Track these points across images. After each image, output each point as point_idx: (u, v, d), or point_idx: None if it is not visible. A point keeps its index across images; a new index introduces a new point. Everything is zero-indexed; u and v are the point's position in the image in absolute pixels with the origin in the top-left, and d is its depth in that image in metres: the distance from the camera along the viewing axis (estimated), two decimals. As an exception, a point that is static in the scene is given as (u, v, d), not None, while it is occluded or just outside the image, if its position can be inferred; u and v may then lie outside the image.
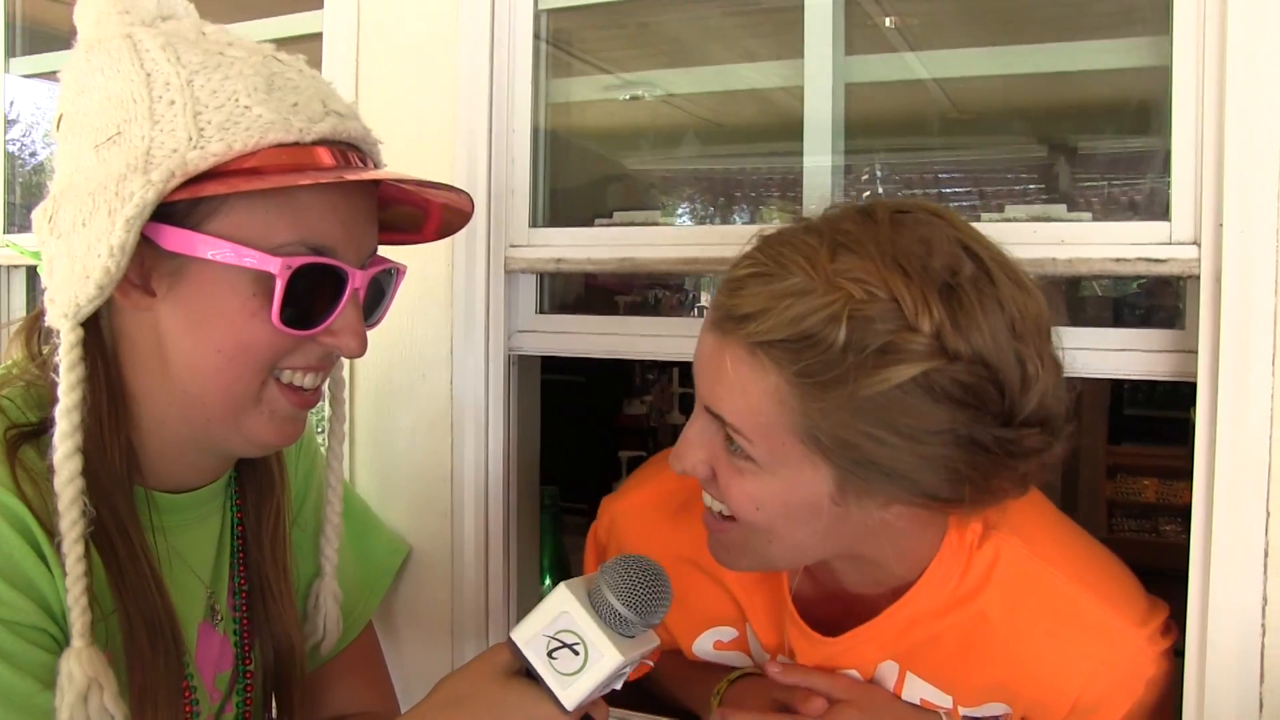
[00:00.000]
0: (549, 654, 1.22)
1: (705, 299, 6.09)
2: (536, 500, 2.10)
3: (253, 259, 1.17)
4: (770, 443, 1.23)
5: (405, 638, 1.96)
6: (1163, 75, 1.52)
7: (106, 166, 1.16)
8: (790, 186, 2.63)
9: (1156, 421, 5.58)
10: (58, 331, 1.20)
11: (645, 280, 4.74)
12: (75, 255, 1.17)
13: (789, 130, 2.34)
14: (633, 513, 1.70)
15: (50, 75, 2.64)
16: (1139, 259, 1.50)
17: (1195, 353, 1.44)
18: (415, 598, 1.95)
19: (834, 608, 1.50)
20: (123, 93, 1.18)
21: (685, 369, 5.38)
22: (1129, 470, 5.40)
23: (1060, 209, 1.60)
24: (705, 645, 1.68)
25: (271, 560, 1.48)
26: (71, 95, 1.24)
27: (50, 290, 1.21)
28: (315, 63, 1.96)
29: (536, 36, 1.92)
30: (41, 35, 2.66)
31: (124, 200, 1.13)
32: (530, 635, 1.23)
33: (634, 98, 2.35)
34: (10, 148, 2.67)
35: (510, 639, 1.24)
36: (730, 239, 1.69)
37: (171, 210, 1.16)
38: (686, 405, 5.19)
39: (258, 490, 1.48)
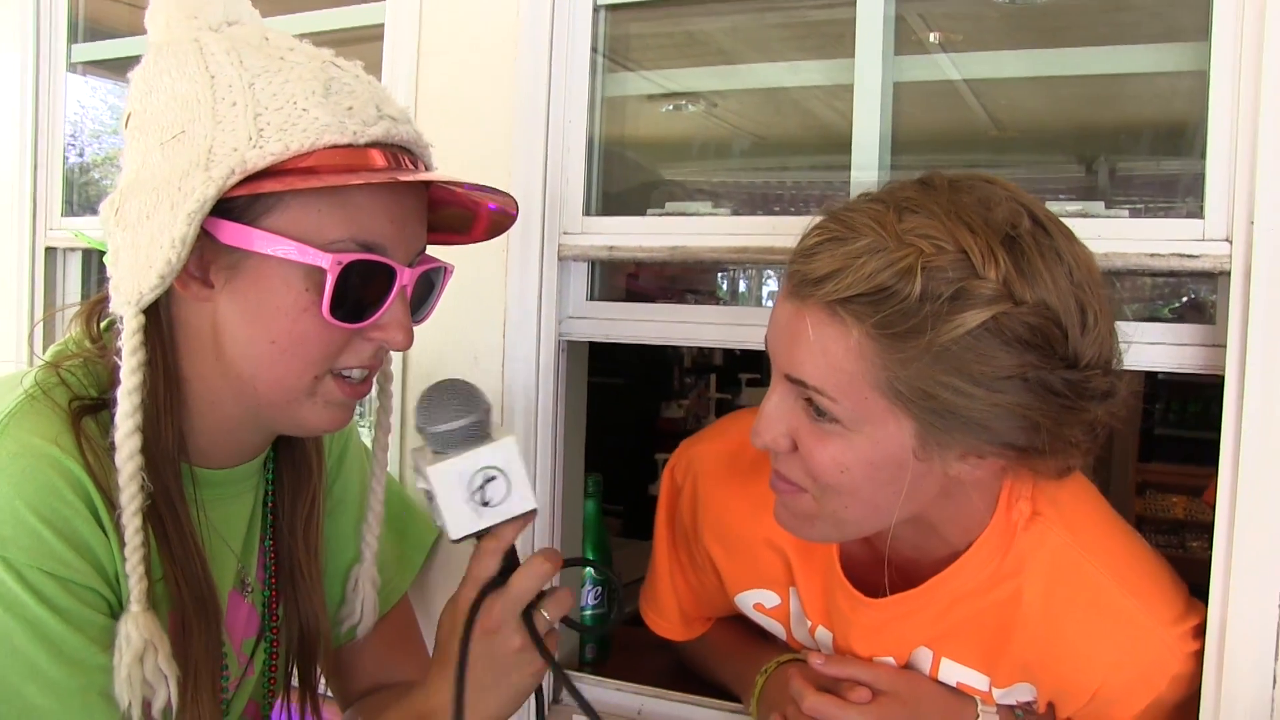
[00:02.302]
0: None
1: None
2: (581, 484, 2.14)
3: (306, 254, 1.21)
4: (854, 399, 1.27)
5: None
6: (1200, 83, 1.57)
7: (170, 163, 1.21)
8: (822, 201, 2.68)
9: (1187, 442, 5.60)
10: (120, 317, 1.25)
11: (683, 285, 4.79)
12: (139, 246, 1.22)
13: (825, 145, 2.39)
14: (709, 457, 1.74)
15: (108, 64, 2.72)
16: (1173, 254, 1.54)
17: (1224, 346, 1.47)
18: (460, 575, 1.98)
19: (881, 575, 1.54)
20: (188, 94, 1.23)
21: (722, 375, 5.44)
22: (1158, 487, 5.43)
23: (1098, 205, 1.64)
24: (747, 603, 1.73)
25: (303, 543, 1.54)
26: (140, 95, 1.29)
27: (115, 278, 1.26)
28: (376, 51, 2.02)
29: (594, 34, 1.97)
30: (101, 32, 2.72)
31: (186, 195, 1.17)
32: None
33: (677, 108, 2.40)
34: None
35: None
36: (781, 229, 1.75)
37: (231, 206, 1.20)
38: (722, 410, 5.24)
39: (295, 474, 1.54)
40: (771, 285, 5.28)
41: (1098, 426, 1.33)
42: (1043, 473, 1.38)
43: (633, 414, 4.47)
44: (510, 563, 1.36)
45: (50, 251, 2.69)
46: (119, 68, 2.77)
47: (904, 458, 1.31)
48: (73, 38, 2.69)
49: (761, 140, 2.74)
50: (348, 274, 1.23)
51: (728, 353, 5.42)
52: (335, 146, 1.22)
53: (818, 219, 1.34)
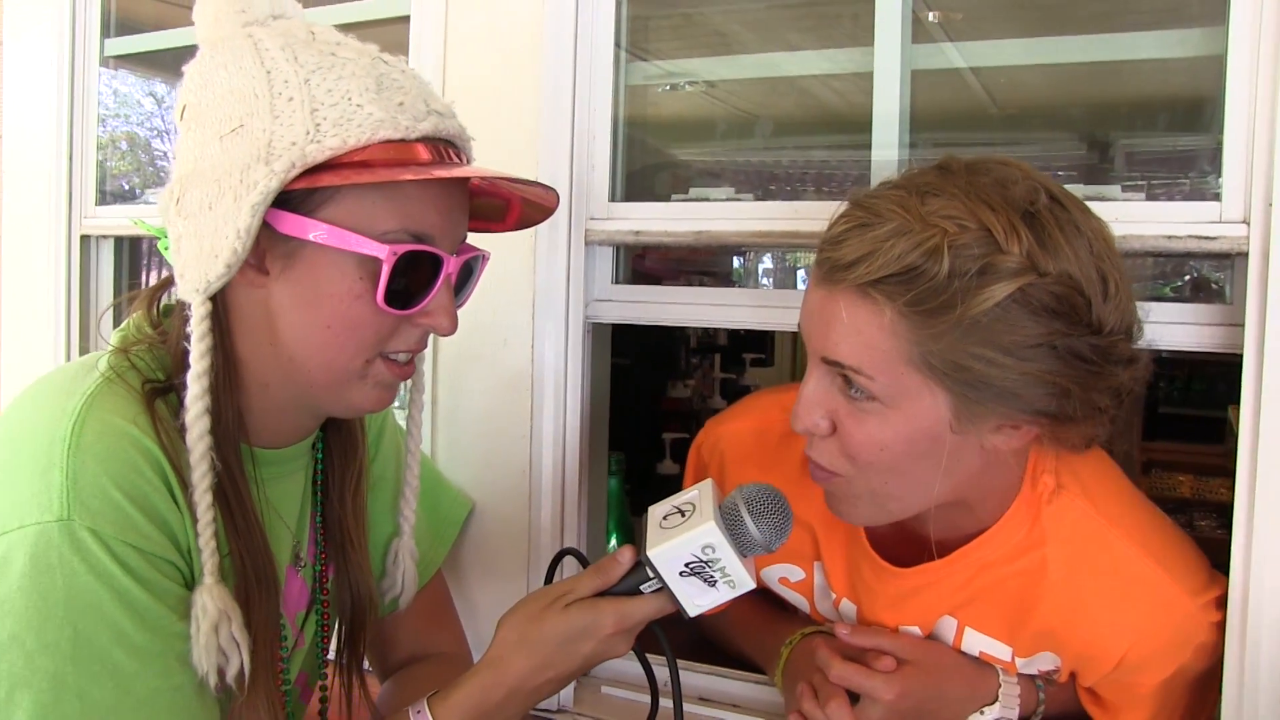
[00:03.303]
0: (679, 574, 1.35)
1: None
2: (605, 462, 2.19)
3: (362, 245, 1.27)
4: (890, 375, 1.32)
5: (481, 587, 2.05)
6: (1209, 67, 1.60)
7: (230, 155, 1.25)
8: (824, 181, 2.71)
9: (1191, 420, 5.61)
10: (188, 304, 1.30)
11: (690, 267, 4.82)
12: (203, 235, 1.27)
13: (825, 125, 2.42)
14: (736, 436, 1.79)
15: (138, 58, 2.76)
16: (1190, 236, 1.57)
17: (1241, 326, 1.50)
18: (491, 550, 2.04)
19: (907, 549, 1.58)
20: (245, 88, 1.27)
21: (726, 355, 5.46)
22: (1164, 466, 5.43)
23: (1115, 189, 1.68)
24: (771, 577, 1.78)
25: (353, 514, 1.59)
26: (195, 88, 1.33)
27: (179, 266, 1.31)
28: (403, 39, 2.03)
29: (616, 21, 2.01)
30: (130, 27, 2.78)
31: (248, 188, 1.22)
32: (667, 557, 1.35)
33: (674, 87, 2.43)
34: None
35: (646, 557, 1.35)
36: (802, 214, 1.79)
37: (288, 197, 1.25)
38: (727, 390, 5.27)
39: (342, 451, 1.59)
40: (766, 264, 5.34)
41: (1123, 392, 1.37)
42: (1071, 442, 1.42)
43: (640, 394, 4.50)
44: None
45: (85, 239, 2.75)
46: (136, 59, 2.84)
47: (940, 431, 1.35)
48: (105, 33, 2.76)
49: (759, 120, 2.77)
50: (400, 263, 1.28)
51: (732, 333, 5.45)
52: (388, 141, 1.27)
53: (842, 208, 1.39)
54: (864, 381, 1.34)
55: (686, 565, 1.34)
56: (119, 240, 2.78)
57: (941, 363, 1.30)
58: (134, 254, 2.88)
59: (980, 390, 1.32)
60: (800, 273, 5.04)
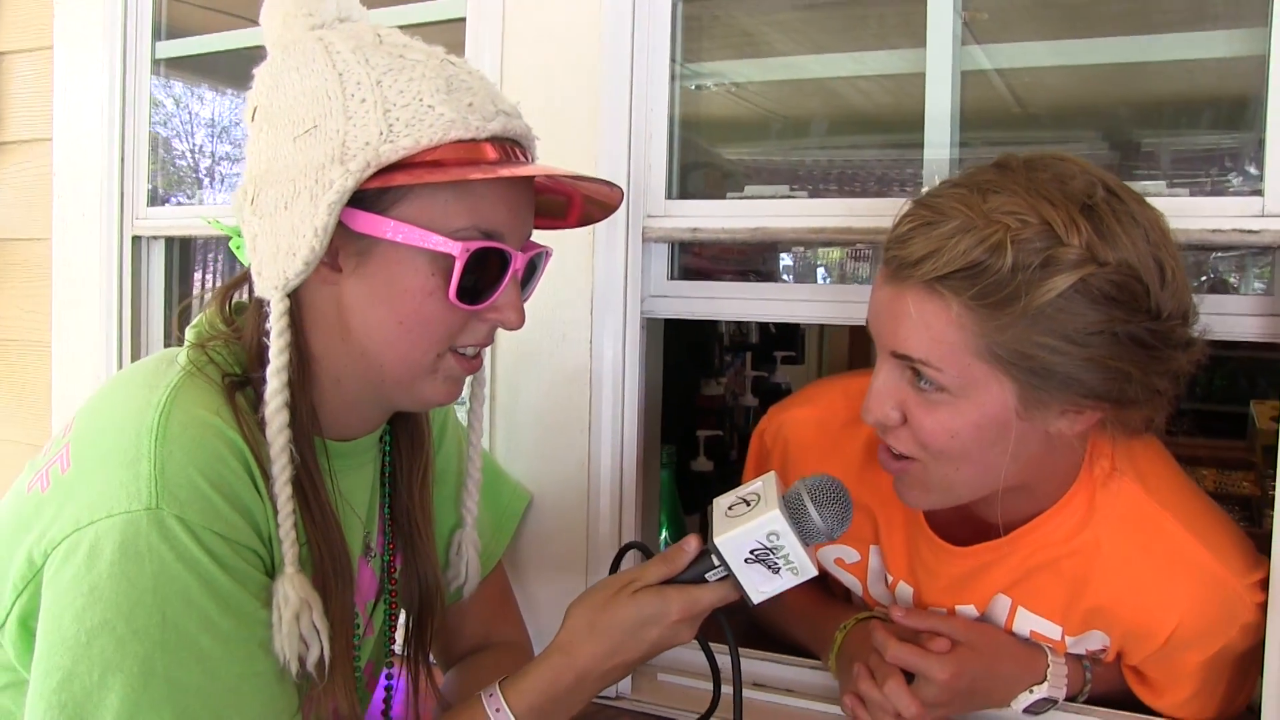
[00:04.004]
0: (744, 561, 1.39)
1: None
2: (659, 454, 2.23)
3: (435, 242, 1.30)
4: (958, 367, 1.38)
5: (540, 580, 2.08)
6: (1238, 67, 1.65)
7: (305, 155, 1.29)
8: (849, 180, 2.75)
9: (1212, 415, 5.63)
10: (263, 301, 1.34)
11: (726, 264, 4.85)
12: (279, 234, 1.30)
13: (864, 124, 2.46)
14: (799, 423, 1.85)
15: (186, 60, 2.81)
16: (1234, 230, 1.62)
17: (1281, 316, 1.54)
18: (550, 543, 2.08)
19: (964, 531, 1.63)
20: (318, 90, 1.30)
21: (758, 353, 5.48)
22: (1186, 461, 5.43)
23: (1160, 185, 1.73)
24: (827, 558, 1.83)
25: (420, 505, 1.63)
26: (266, 89, 1.36)
27: (256, 264, 1.35)
28: (456, 40, 2.07)
29: (673, 23, 2.04)
30: (174, 32, 2.82)
31: (324, 187, 1.25)
32: (733, 544, 1.39)
33: (699, 87, 2.47)
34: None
35: (713, 544, 1.39)
36: (856, 211, 1.83)
37: (361, 196, 1.28)
38: (758, 388, 5.29)
39: (410, 443, 1.63)
40: (786, 260, 5.37)
41: (1180, 375, 1.43)
42: (1132, 425, 1.47)
43: (673, 391, 4.52)
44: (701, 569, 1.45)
45: (136, 240, 2.78)
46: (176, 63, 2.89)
47: (1007, 418, 1.41)
48: (156, 36, 2.79)
49: (792, 120, 2.81)
50: (471, 260, 1.31)
51: (763, 331, 5.47)
52: (459, 141, 1.30)
53: (906, 207, 1.44)
54: (933, 373, 1.40)
55: (752, 553, 1.39)
56: (169, 241, 2.82)
57: (1007, 353, 1.36)
58: (185, 254, 2.92)
59: (1045, 377, 1.37)
60: (820, 270, 5.09)
